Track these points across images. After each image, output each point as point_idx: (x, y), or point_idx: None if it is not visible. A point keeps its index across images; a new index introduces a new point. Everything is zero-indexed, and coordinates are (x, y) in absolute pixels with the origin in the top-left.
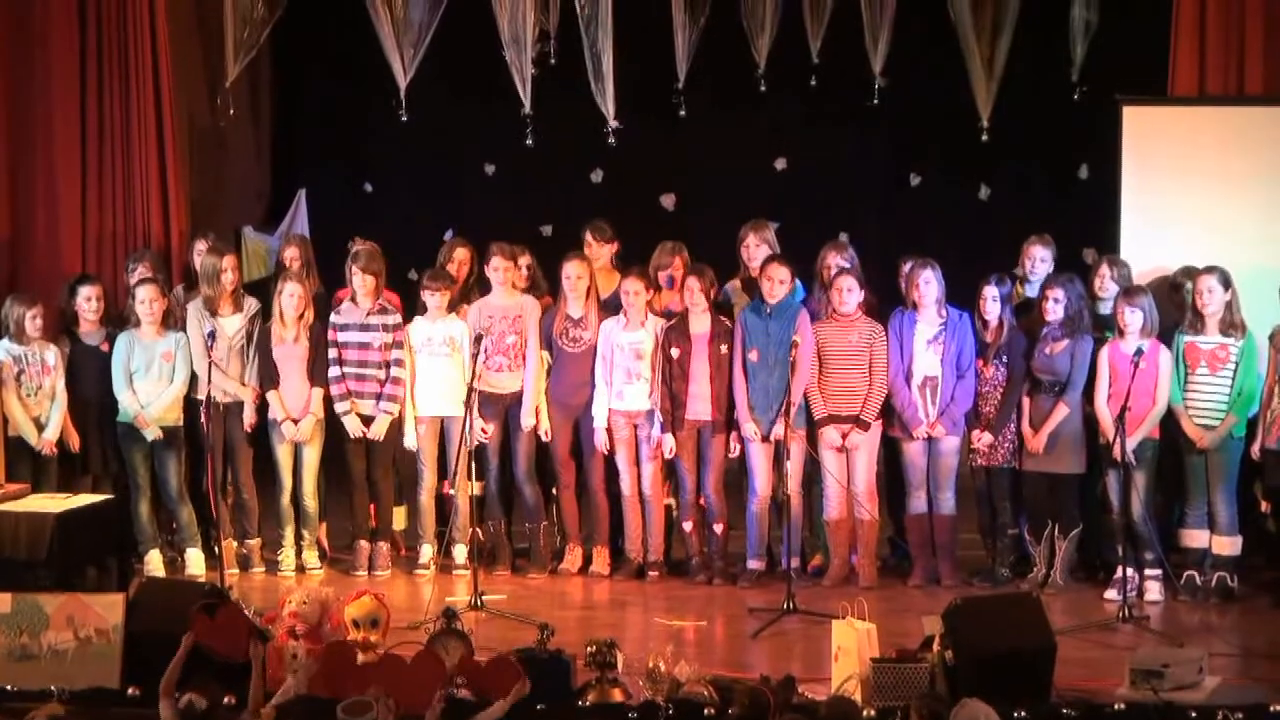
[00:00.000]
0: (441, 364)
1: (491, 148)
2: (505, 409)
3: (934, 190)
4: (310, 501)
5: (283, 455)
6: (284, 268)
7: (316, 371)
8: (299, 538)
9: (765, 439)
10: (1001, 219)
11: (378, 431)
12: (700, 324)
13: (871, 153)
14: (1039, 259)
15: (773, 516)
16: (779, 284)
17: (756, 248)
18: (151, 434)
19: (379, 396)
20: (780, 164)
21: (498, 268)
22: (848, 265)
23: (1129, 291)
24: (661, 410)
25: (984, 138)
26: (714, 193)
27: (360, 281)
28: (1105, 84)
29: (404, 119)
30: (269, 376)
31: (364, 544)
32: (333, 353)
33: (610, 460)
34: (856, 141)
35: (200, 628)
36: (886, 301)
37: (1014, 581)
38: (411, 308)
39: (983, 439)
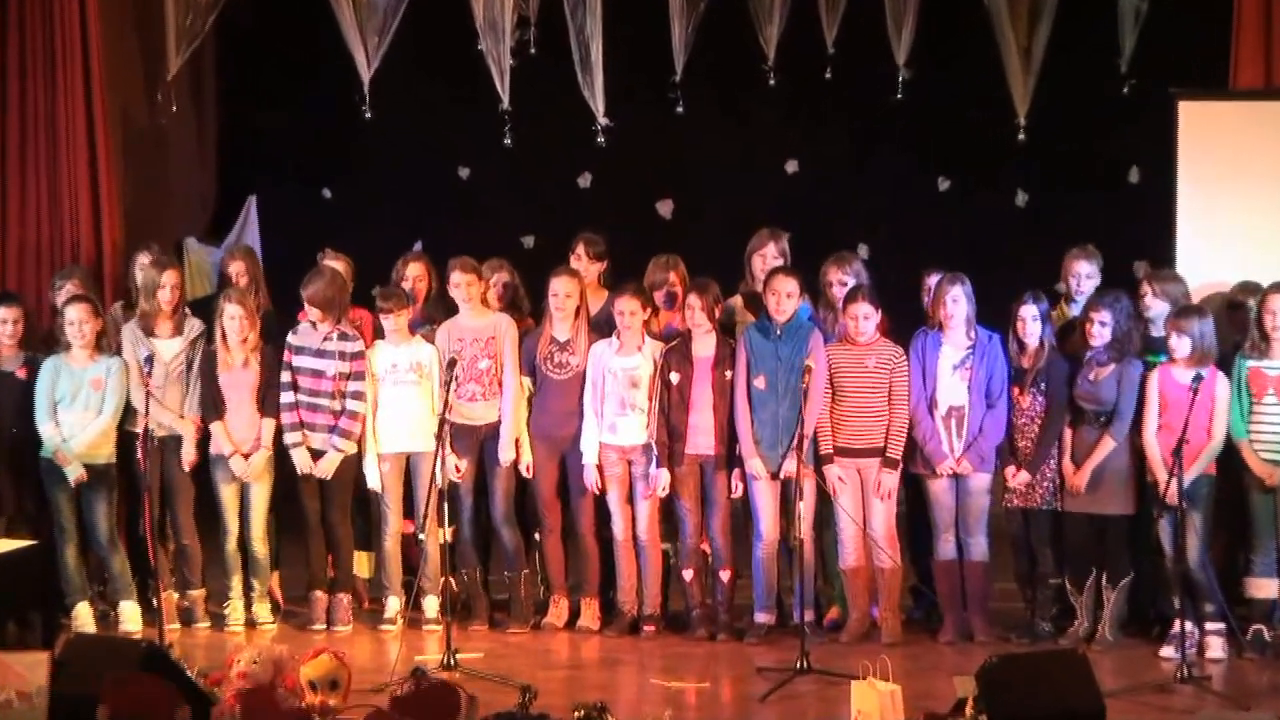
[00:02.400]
0: (407, 393)
1: (466, 149)
2: (480, 442)
3: (965, 196)
4: (260, 547)
5: (227, 495)
6: (228, 284)
7: (268, 400)
8: (248, 588)
9: (774, 477)
10: (1041, 229)
11: (325, 469)
12: (704, 346)
13: (894, 154)
14: (1084, 275)
15: (783, 563)
16: (786, 298)
17: (773, 259)
18: (73, 473)
19: (332, 430)
20: (791, 166)
21: (458, 284)
22: (853, 281)
23: (1181, 313)
24: (658, 443)
25: (1021, 137)
26: (716, 199)
27: (308, 308)
28: (1158, 76)
29: (367, 116)
30: (213, 406)
31: (321, 595)
32: (287, 377)
33: (601, 500)
34: (877, 141)
35: (114, 700)
36: (911, 322)
37: (1056, 637)
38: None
39: (1019, 477)
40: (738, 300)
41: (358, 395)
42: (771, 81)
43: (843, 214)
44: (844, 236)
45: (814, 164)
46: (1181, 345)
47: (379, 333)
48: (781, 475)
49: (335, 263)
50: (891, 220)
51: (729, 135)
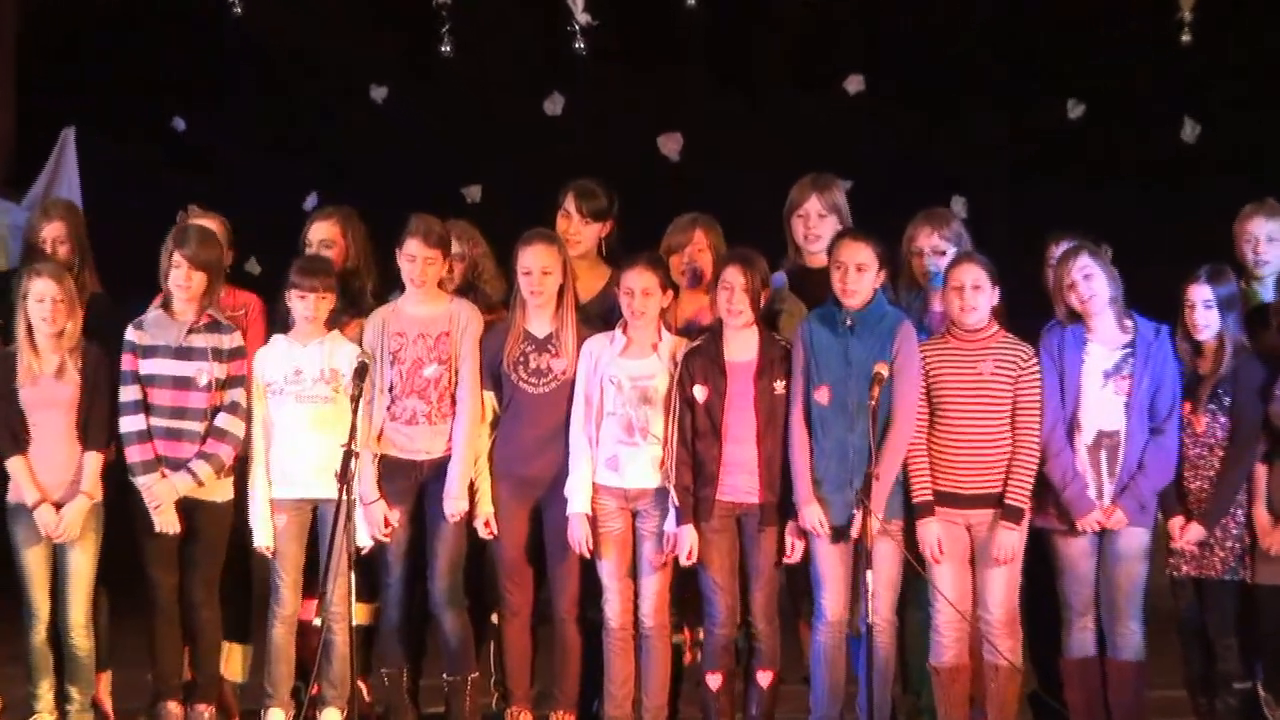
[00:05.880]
0: (317, 415)
1: (383, 61)
2: (420, 485)
3: (1105, 127)
4: (81, 639)
5: (33, 563)
6: (37, 255)
7: (91, 424)
8: (62, 697)
9: (842, 534)
10: (1216, 174)
11: (163, 499)
12: (741, 346)
13: (1003, 68)
14: (1262, 239)
15: (848, 657)
16: (856, 272)
17: (819, 219)
18: None
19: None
20: (853, 85)
21: (414, 256)
22: (952, 250)
23: None
24: (677, 488)
25: (1186, 39)
26: (745, 132)
27: (183, 279)
28: None
29: (237, 11)
30: (10, 435)
31: (173, 707)
32: (133, 393)
33: (589, 569)
34: (977, 50)
35: None
36: (1022, 309)
37: None
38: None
39: (1189, 533)
40: (783, 280)
41: (235, 409)
42: None
43: (926, 153)
44: (929, 187)
45: (885, 81)
46: None
47: (276, 326)
48: (854, 532)
49: (205, 223)
50: (1001, 163)
51: (762, 41)
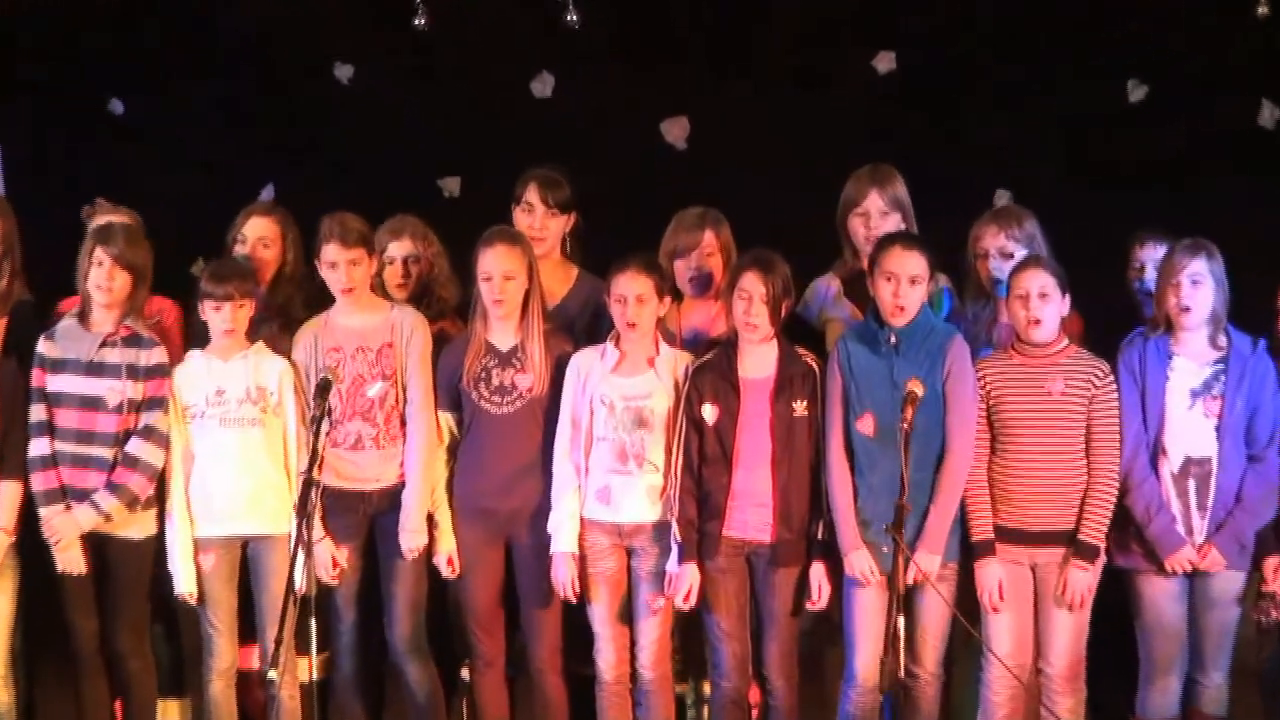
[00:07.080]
0: (242, 440)
1: (349, 37)
2: (370, 519)
3: (1173, 111)
4: None
5: None
6: None
7: (7, 451)
8: None
9: (888, 582)
10: None
11: (64, 537)
12: (758, 362)
13: (1053, 43)
14: None
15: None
16: (908, 285)
17: (882, 217)
18: None
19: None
20: (883, 64)
21: (335, 261)
22: (1023, 253)
23: None
24: (680, 522)
25: (1263, 11)
26: (757, 116)
27: (105, 278)
28: None
29: None
30: None
31: None
32: (39, 413)
33: (574, 617)
34: (1024, 23)
35: None
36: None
37: None
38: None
39: None
40: (833, 285)
41: (149, 434)
42: None
43: (967, 142)
44: (970, 181)
45: (920, 59)
46: None
47: (193, 337)
48: (911, 578)
49: (114, 219)
50: (1052, 151)
51: (780, 11)
